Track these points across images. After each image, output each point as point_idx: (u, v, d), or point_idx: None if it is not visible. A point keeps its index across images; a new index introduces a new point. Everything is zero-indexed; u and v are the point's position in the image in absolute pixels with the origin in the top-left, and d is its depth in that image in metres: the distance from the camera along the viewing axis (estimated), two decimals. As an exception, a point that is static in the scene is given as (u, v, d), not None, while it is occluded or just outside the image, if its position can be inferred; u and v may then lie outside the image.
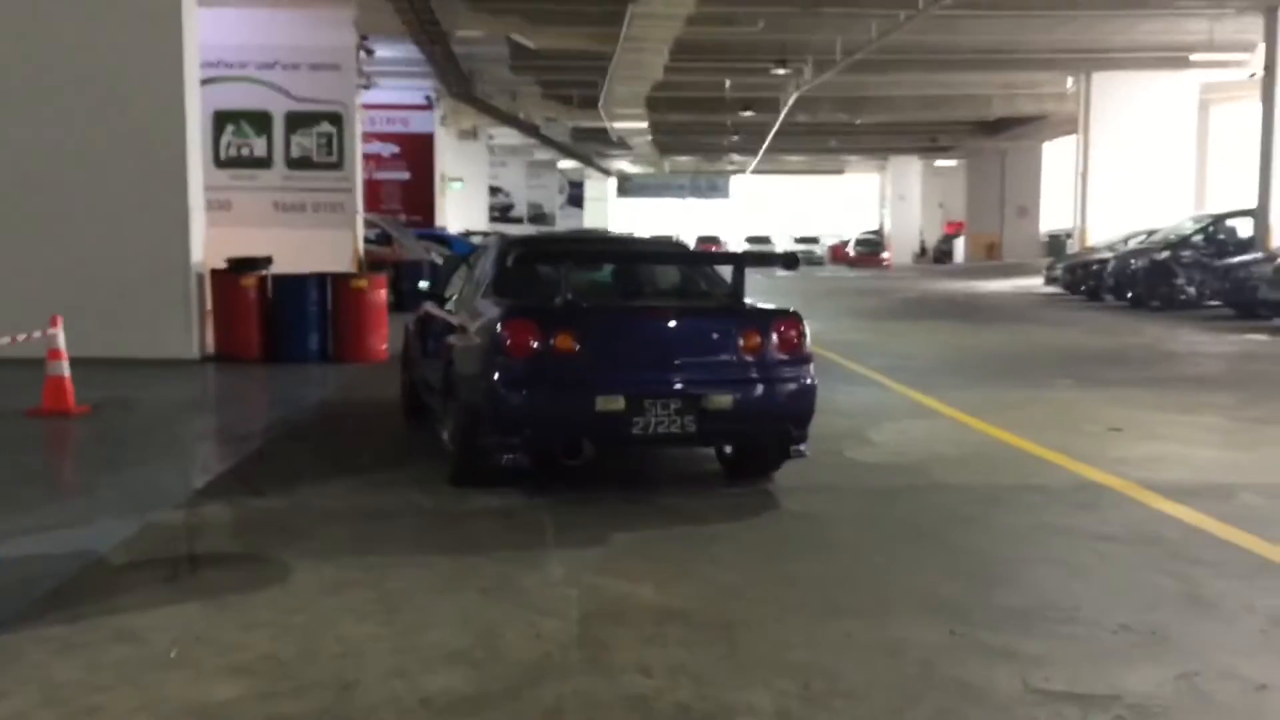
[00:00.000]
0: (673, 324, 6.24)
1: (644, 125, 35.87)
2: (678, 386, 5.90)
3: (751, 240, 54.93)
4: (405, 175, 30.76)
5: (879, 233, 58.78)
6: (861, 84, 31.34)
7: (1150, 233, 26.68)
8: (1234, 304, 19.90)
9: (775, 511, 5.99)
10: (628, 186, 64.08)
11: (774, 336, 6.15)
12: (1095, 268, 24.94)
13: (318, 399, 9.97)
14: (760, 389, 6.08)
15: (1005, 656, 3.86)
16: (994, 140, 46.95)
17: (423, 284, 8.51)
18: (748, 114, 34.27)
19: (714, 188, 62.82)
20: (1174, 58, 27.09)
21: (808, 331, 6.32)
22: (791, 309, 6.46)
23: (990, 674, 3.71)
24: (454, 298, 7.80)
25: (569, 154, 49.39)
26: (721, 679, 3.65)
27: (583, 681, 3.61)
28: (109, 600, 4.37)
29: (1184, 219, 24.29)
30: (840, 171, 66.83)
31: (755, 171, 60.84)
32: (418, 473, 6.69)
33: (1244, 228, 22.62)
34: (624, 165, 61.01)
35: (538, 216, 51.40)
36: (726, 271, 7.18)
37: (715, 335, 6.16)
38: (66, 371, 8.80)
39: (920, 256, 56.27)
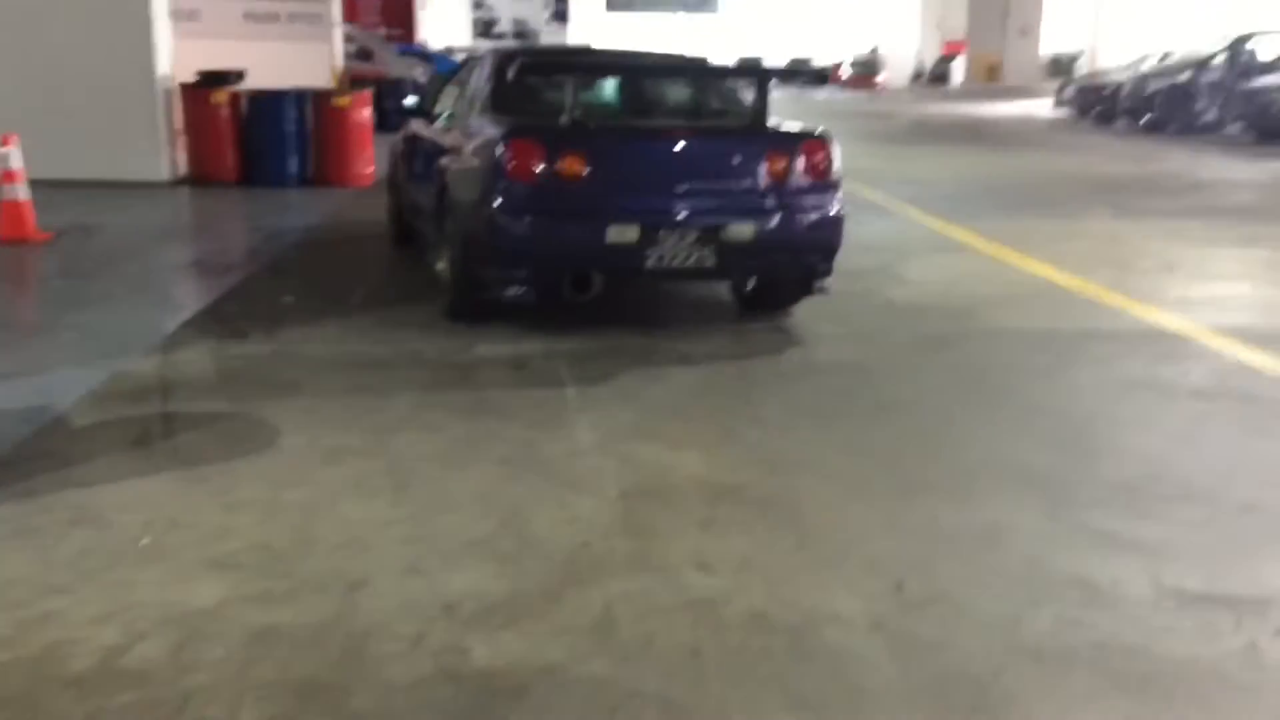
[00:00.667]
0: (690, 147, 5.60)
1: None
2: (695, 216, 5.37)
3: (743, 60, 52.96)
4: (384, -14, 29.06)
5: (874, 54, 56.83)
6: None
7: (1164, 55, 25.55)
8: (1257, 128, 19.07)
9: (813, 360, 5.37)
10: (616, 1, 61.52)
11: (800, 161, 5.57)
12: (1108, 91, 23.90)
13: (300, 227, 9.20)
14: (784, 219, 5.52)
15: (1122, 547, 3.29)
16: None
17: (409, 100, 7.66)
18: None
19: (704, 2, 60.35)
20: None
21: (837, 155, 5.71)
22: (819, 130, 5.80)
23: (1110, 570, 3.14)
24: (444, 115, 7.02)
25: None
26: (796, 577, 3.08)
27: (633, 581, 3.03)
28: (67, 471, 3.74)
29: (1204, 41, 23.09)
30: (837, -15, 64.14)
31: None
32: (415, 312, 6.03)
33: (1266, 49, 21.58)
34: (612, -22, 58.41)
35: (522, 33, 49.22)
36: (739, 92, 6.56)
37: (736, 159, 5.56)
38: (24, 195, 7.99)
39: (917, 79, 54.52)
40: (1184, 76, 20.80)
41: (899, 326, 6.02)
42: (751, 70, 6.17)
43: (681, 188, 5.41)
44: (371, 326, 5.77)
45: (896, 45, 58.19)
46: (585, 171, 5.31)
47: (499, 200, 5.32)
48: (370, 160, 11.82)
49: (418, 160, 7.35)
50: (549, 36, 51.80)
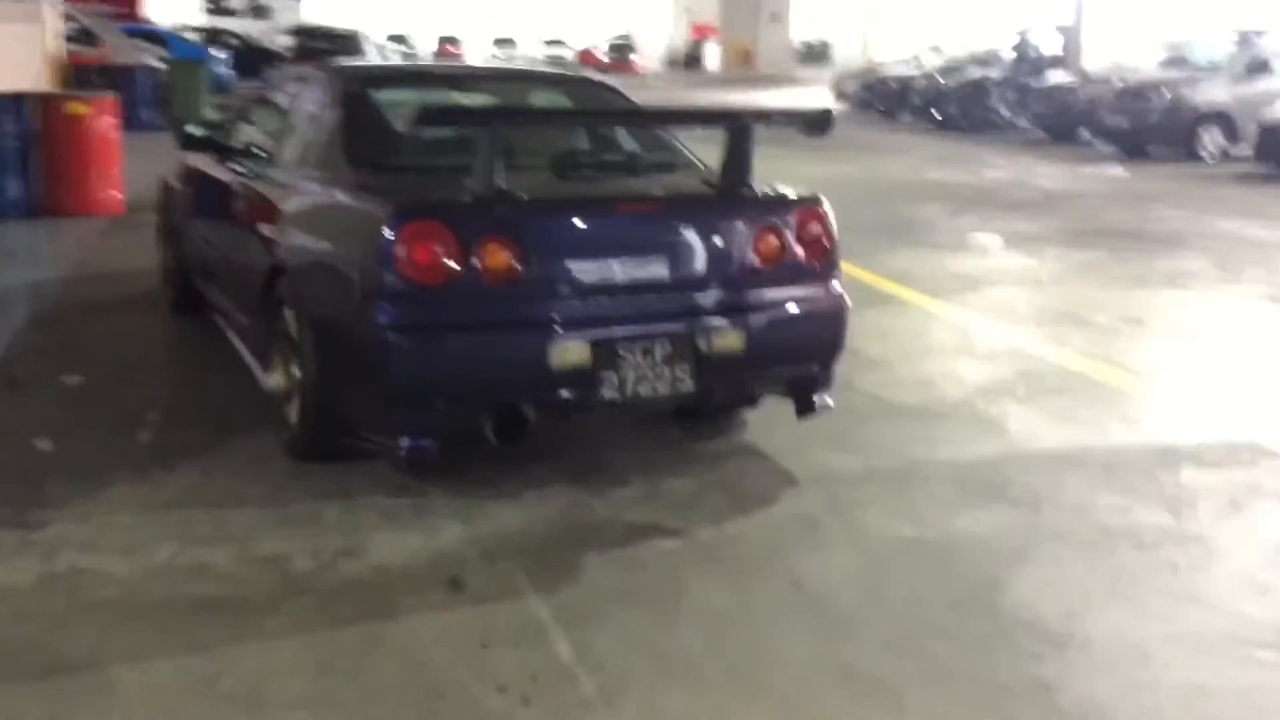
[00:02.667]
0: (656, 223, 3.99)
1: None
2: (667, 322, 3.87)
3: (498, 42, 51.01)
4: (99, -45, 25.47)
5: (627, 37, 56.10)
6: None
7: (935, 49, 25.52)
8: (1049, 127, 18.91)
9: (860, 529, 3.78)
10: (354, -24, 57.97)
11: (792, 234, 4.12)
12: (896, 86, 23.54)
13: (33, 285, 6.87)
14: (782, 316, 4.08)
15: None
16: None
17: (192, 129, 5.57)
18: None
19: (452, -18, 57.86)
20: None
21: (834, 223, 4.26)
22: (810, 193, 4.30)
23: None
24: (249, 154, 5.07)
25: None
26: None
27: None
28: None
29: (988, 37, 23.01)
30: (584, -32, 63.00)
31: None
32: (245, 456, 4.11)
33: (1045, 45, 21.62)
34: (350, -48, 54.95)
35: (259, 8, 45.43)
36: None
37: (716, 238, 3.98)
38: None
39: (671, 63, 54.05)
40: (976, 74, 20.50)
41: (913, 442, 4.51)
42: (727, 116, 4.33)
43: (648, 283, 3.86)
44: (186, 498, 3.78)
45: (647, 28, 57.69)
46: (516, 266, 3.66)
47: (386, 313, 3.58)
48: (116, 181, 9.41)
49: (212, 213, 5.38)
50: (283, 13, 48.23)
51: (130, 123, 11.61)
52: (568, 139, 4.77)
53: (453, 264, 3.56)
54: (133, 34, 20.62)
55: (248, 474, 3.98)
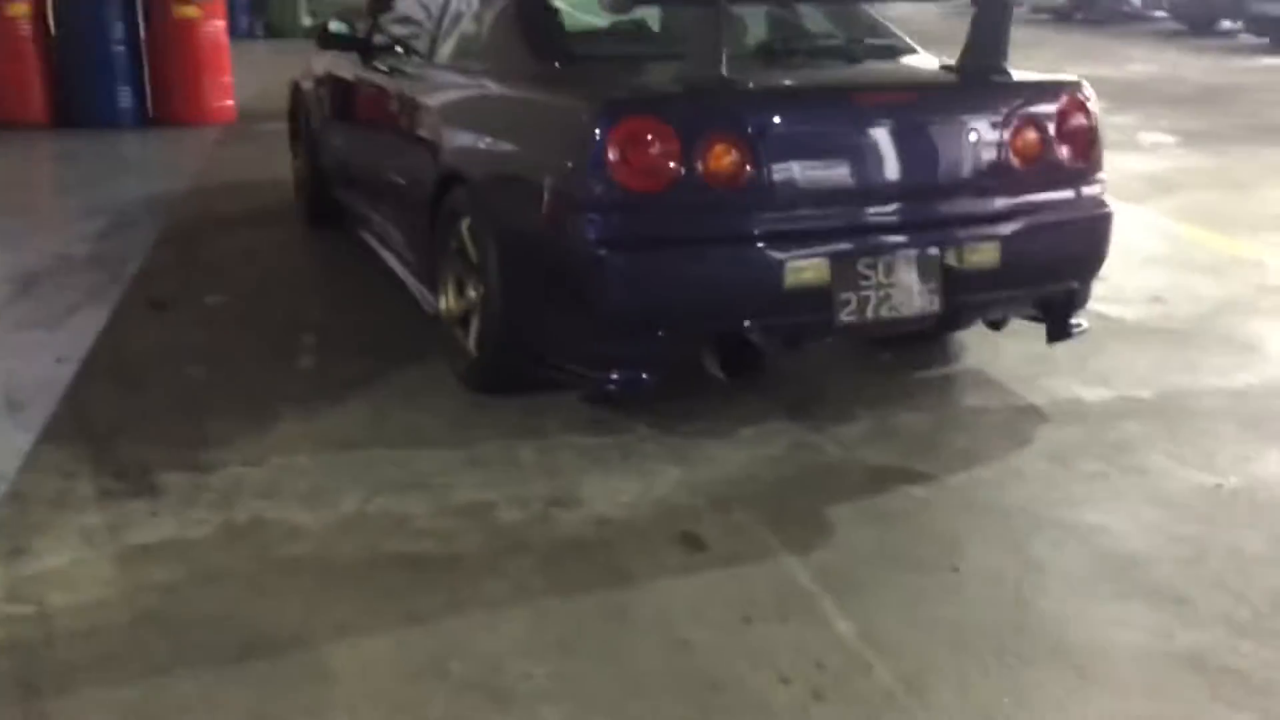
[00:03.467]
0: (902, 116, 3.37)
1: None
2: (914, 233, 3.33)
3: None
4: None
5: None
6: None
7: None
8: (1189, 17, 17.70)
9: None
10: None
11: (1055, 128, 3.50)
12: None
13: (156, 199, 6.49)
14: (1041, 226, 3.47)
15: None
16: None
17: (335, 26, 5.07)
18: None
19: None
20: None
21: (1098, 114, 3.64)
22: (1073, 78, 3.67)
23: None
24: (401, 50, 4.56)
25: None
26: None
27: None
28: None
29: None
30: None
31: None
32: (414, 383, 3.71)
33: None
34: None
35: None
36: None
37: (970, 133, 3.40)
38: None
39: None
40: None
41: (1167, 369, 3.91)
42: None
43: (891, 188, 3.33)
44: (362, 435, 3.36)
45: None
46: (746, 170, 3.14)
47: (597, 227, 3.09)
48: (228, 89, 9.02)
49: (359, 118, 4.93)
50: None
51: (240, 29, 11.21)
52: (774, 20, 4.16)
53: (675, 167, 3.06)
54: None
55: (423, 407, 3.55)
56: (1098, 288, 4.19)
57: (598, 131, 3.04)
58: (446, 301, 3.78)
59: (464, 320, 3.66)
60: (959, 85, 3.64)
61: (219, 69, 8.88)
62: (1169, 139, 8.36)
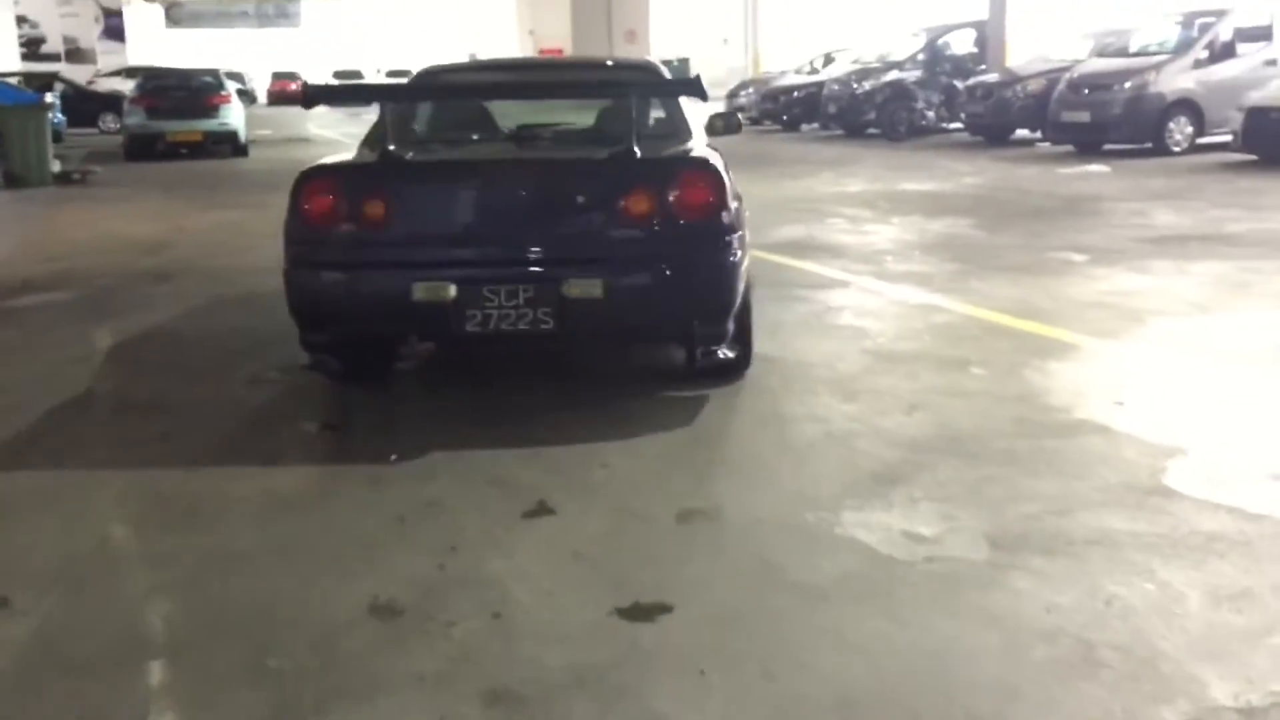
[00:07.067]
0: (526, 180, 4.57)
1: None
2: (529, 268, 4.33)
3: (339, 75, 48.41)
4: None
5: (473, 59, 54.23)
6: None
7: (828, 56, 24.49)
8: (985, 128, 17.89)
9: None
10: (178, 15, 54.57)
11: (672, 195, 4.36)
12: (799, 94, 22.30)
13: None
14: (647, 270, 4.35)
15: None
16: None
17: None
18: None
19: (284, 15, 54.87)
20: None
21: (728, 186, 4.47)
22: (699, 155, 4.67)
23: None
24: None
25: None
26: None
27: None
28: None
29: (895, 38, 21.90)
30: (427, -8, 60.83)
31: (331, -6, 53.67)
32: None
33: (958, 44, 20.71)
34: (171, -11, 51.66)
35: (74, 52, 41.96)
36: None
37: (584, 196, 4.48)
38: None
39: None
40: (896, 76, 19.34)
41: None
42: (614, 86, 5.39)
43: (513, 233, 4.39)
44: None
45: (493, 51, 55.90)
46: (388, 216, 4.36)
47: (291, 254, 4.48)
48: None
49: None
50: (105, 56, 44.82)
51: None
52: (534, 113, 5.66)
53: (338, 214, 4.34)
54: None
55: None
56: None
57: (297, 184, 4.40)
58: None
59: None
60: (597, 161, 4.57)
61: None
62: (1080, 257, 7.68)
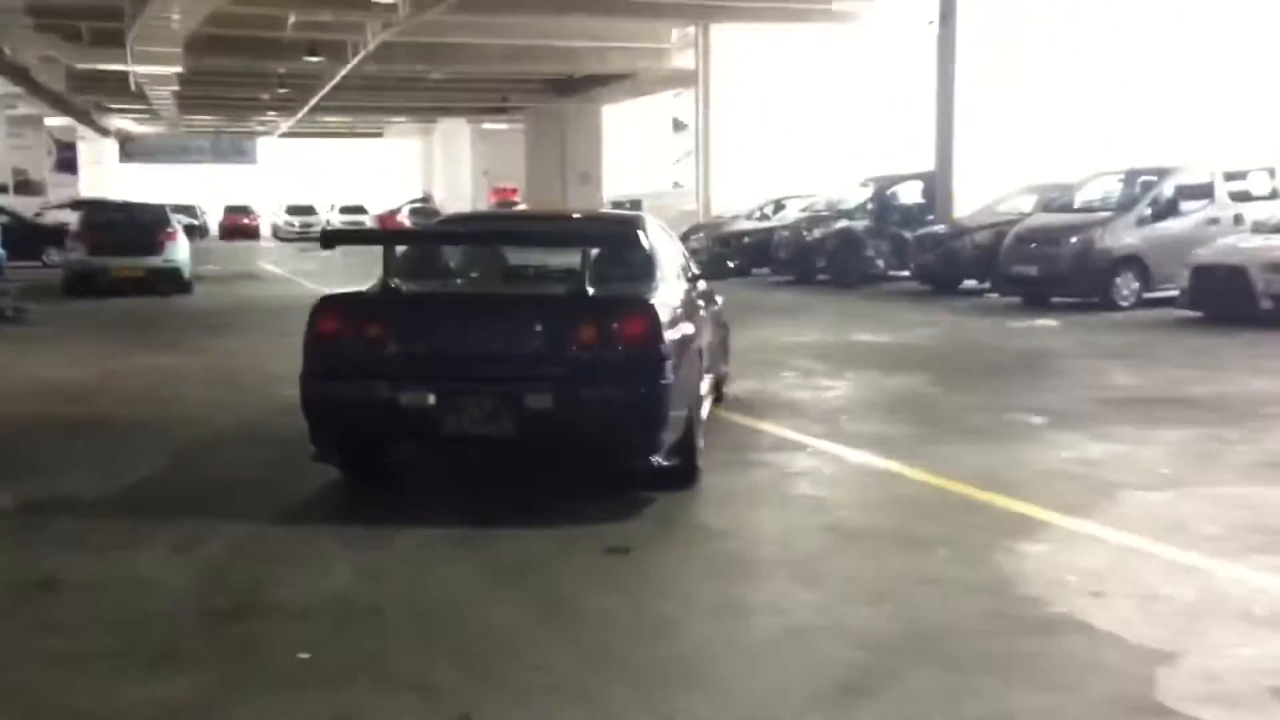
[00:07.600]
0: (498, 311, 5.62)
1: (176, 70, 29.08)
2: (496, 383, 5.25)
3: (293, 210, 48.46)
4: None
5: (428, 199, 54.74)
6: (452, 26, 26.79)
7: (779, 203, 24.71)
8: (934, 278, 17.94)
9: None
10: (133, 149, 54.68)
11: (612, 328, 5.25)
12: (749, 240, 22.42)
13: None
14: (588, 389, 5.18)
15: None
16: (559, 102, 44.64)
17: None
18: (314, 59, 28.51)
19: (239, 151, 55.17)
20: (797, 9, 25.27)
21: (662, 323, 5.31)
22: (641, 297, 5.52)
23: None
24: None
25: (62, 108, 40.58)
26: None
27: None
28: None
29: (844, 186, 22.19)
30: (380, 135, 61.50)
31: (287, 134, 54.02)
32: None
33: (906, 194, 20.98)
34: (127, 124, 51.75)
35: (24, 184, 41.70)
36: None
37: (544, 326, 5.38)
38: None
39: (478, 226, 52.72)
40: (846, 225, 19.49)
41: None
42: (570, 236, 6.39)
43: (482, 355, 5.34)
44: None
45: (448, 190, 56.39)
46: (385, 337, 5.40)
47: (308, 363, 5.46)
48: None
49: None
50: (56, 189, 44.59)
51: None
52: (525, 255, 6.78)
53: (346, 333, 5.43)
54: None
55: None
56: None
57: (313, 310, 5.49)
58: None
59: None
60: (556, 297, 5.53)
61: None
62: (1038, 420, 7.47)
